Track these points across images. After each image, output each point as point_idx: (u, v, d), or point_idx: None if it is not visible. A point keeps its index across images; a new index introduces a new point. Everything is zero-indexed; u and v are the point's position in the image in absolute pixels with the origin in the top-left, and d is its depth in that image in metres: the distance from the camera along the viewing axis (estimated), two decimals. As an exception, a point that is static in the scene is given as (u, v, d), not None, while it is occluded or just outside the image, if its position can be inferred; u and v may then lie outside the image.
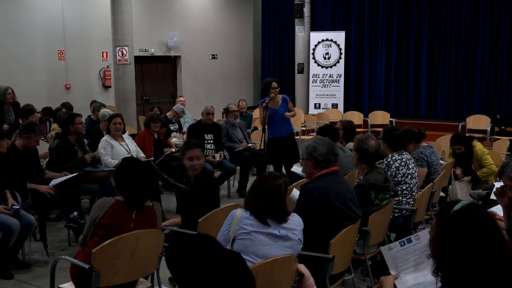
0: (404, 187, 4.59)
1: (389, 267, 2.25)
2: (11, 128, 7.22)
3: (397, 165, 4.61)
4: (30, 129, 5.23)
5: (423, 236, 2.26)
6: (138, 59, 11.69)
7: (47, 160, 5.93)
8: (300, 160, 4.11)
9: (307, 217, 3.24)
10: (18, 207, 4.70)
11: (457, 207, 1.97)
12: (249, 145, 7.59)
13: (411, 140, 5.47)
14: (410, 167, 4.65)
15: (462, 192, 6.09)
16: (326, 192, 3.52)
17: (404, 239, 2.29)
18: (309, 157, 3.66)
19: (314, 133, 11.25)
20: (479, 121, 11.16)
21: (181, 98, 10.01)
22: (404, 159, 4.65)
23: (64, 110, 8.56)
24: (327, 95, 13.84)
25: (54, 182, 5.25)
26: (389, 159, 4.67)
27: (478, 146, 6.41)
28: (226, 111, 7.86)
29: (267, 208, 3.01)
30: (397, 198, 4.53)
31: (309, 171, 3.72)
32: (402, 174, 4.59)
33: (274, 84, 6.95)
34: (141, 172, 3.39)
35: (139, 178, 3.35)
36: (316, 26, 14.27)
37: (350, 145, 5.72)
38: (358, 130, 11.04)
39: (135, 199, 3.35)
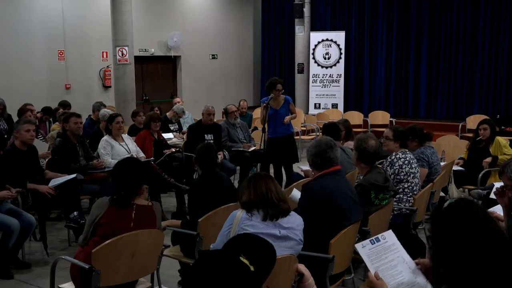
0: (406, 185, 4.62)
1: (366, 263, 2.35)
2: (9, 130, 7.21)
3: (401, 163, 4.64)
4: (23, 123, 5.25)
5: (388, 236, 2.41)
6: (138, 59, 11.70)
7: (47, 160, 5.93)
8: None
9: (309, 214, 3.25)
10: (21, 190, 4.81)
11: (445, 204, 1.97)
12: (253, 147, 7.56)
13: (415, 138, 5.48)
14: (413, 166, 4.69)
15: (457, 194, 6.11)
16: (327, 189, 3.55)
17: (373, 237, 2.41)
18: (308, 159, 3.78)
19: (314, 133, 11.27)
20: (479, 121, 11.10)
21: (177, 99, 9.94)
22: (407, 158, 4.68)
23: (61, 110, 8.56)
24: (327, 95, 13.83)
25: (54, 182, 5.24)
26: (393, 157, 4.70)
27: (499, 137, 6.68)
28: (225, 112, 7.84)
29: (260, 202, 3.02)
30: (398, 196, 4.55)
31: (312, 173, 3.81)
32: (405, 173, 4.61)
33: (279, 87, 6.93)
34: (130, 171, 3.42)
35: (127, 176, 3.38)
36: (316, 26, 14.26)
37: (350, 143, 5.74)
38: (358, 130, 11.12)
39: (121, 197, 3.36)
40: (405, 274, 2.27)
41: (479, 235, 1.80)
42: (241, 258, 1.62)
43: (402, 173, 4.61)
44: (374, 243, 2.36)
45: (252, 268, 1.62)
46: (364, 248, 2.34)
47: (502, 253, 1.77)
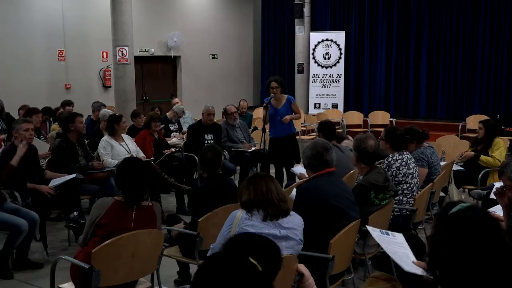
0: (404, 187, 4.60)
1: (378, 241, 2.43)
2: (8, 130, 7.20)
3: (398, 165, 4.61)
4: (21, 122, 5.25)
5: (399, 236, 2.47)
6: (138, 59, 11.69)
7: (47, 160, 5.93)
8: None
9: (304, 215, 3.25)
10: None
11: (455, 209, 1.93)
12: (254, 148, 7.54)
13: (413, 139, 5.46)
14: (410, 167, 4.66)
15: (457, 194, 6.10)
16: (321, 190, 3.57)
17: (384, 230, 2.50)
18: (303, 161, 3.81)
19: (314, 133, 11.27)
20: (479, 121, 11.11)
21: (176, 100, 9.93)
22: (405, 159, 4.65)
23: (61, 109, 8.55)
24: (327, 95, 13.84)
25: (54, 182, 5.24)
26: (390, 159, 4.67)
27: (500, 139, 6.60)
28: (225, 113, 7.84)
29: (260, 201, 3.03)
30: (397, 198, 4.53)
31: (307, 175, 3.84)
32: (402, 174, 4.59)
33: (273, 84, 6.95)
34: (139, 171, 3.41)
35: (137, 177, 3.37)
36: (316, 26, 14.27)
37: (347, 142, 5.75)
38: (358, 130, 11.13)
39: (133, 198, 3.36)
40: (408, 266, 2.31)
41: (486, 245, 1.77)
42: (250, 259, 1.60)
43: (400, 175, 4.59)
44: (383, 234, 2.42)
45: (260, 268, 1.60)
46: (374, 232, 2.40)
47: (504, 264, 1.75)
